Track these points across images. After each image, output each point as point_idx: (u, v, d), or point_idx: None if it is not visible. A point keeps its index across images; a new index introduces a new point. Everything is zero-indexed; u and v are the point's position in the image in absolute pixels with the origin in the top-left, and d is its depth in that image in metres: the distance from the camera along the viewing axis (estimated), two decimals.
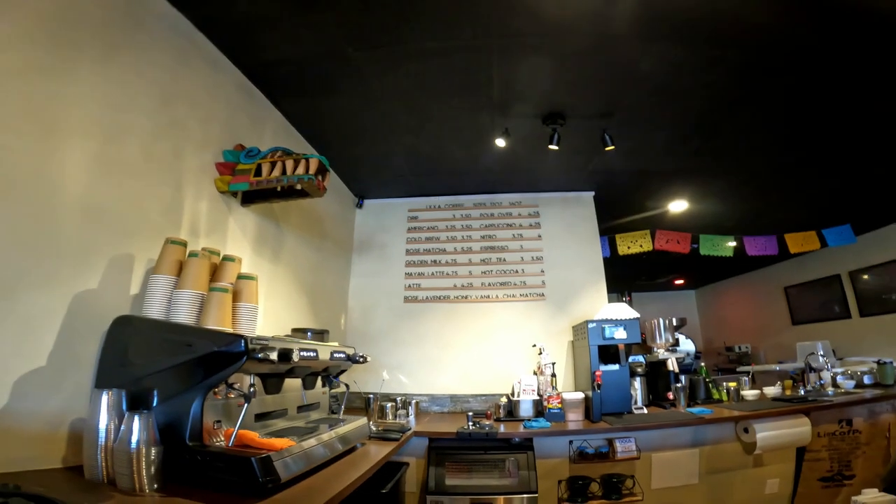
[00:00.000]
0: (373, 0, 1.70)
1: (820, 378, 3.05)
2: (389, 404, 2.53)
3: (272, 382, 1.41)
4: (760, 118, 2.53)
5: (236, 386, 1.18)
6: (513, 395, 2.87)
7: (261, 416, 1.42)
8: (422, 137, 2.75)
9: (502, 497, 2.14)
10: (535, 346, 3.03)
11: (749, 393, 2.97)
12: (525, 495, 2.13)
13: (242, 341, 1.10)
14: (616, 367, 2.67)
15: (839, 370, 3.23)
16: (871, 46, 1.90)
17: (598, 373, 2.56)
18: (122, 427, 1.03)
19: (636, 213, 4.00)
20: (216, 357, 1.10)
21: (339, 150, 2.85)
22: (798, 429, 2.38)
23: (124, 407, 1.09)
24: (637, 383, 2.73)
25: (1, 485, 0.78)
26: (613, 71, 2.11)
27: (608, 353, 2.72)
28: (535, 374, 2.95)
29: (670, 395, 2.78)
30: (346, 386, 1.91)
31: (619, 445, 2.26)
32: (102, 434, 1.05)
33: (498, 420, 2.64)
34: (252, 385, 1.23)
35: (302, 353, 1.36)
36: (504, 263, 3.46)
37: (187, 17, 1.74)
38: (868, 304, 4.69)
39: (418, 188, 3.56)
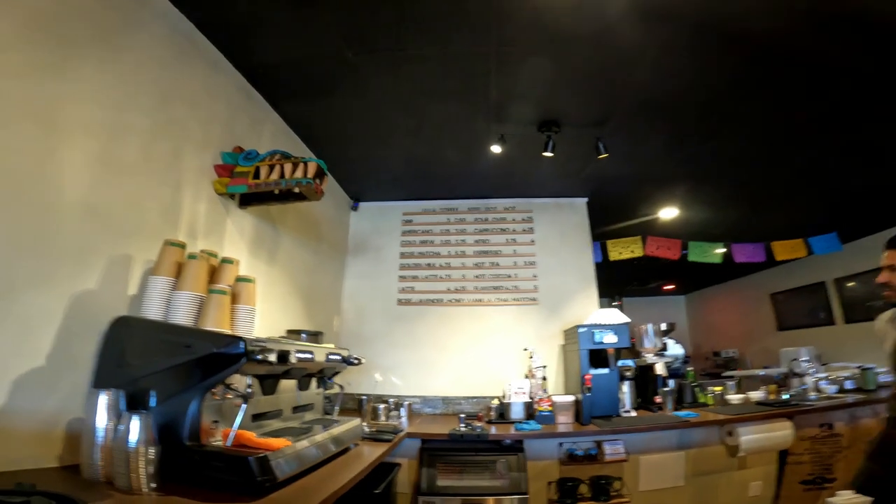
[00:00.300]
0: (373, 4, 1.72)
1: (803, 383, 3.12)
2: (382, 406, 2.54)
3: (268, 383, 1.43)
4: (751, 129, 2.60)
5: (233, 386, 1.20)
6: (504, 397, 2.90)
7: (256, 417, 1.43)
8: (418, 141, 2.78)
9: (493, 498, 2.16)
10: (526, 349, 3.07)
11: (734, 397, 3.03)
12: (516, 496, 2.16)
13: (242, 343, 1.11)
14: (606, 371, 2.72)
15: (822, 375, 3.31)
16: (863, 56, 1.94)
17: (587, 376, 2.60)
18: (121, 427, 1.04)
19: (628, 220, 4.06)
20: (215, 358, 1.12)
21: (335, 152, 2.86)
22: (780, 432, 2.44)
23: (122, 407, 1.10)
24: (626, 387, 2.77)
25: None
26: (608, 79, 2.16)
27: (598, 357, 2.76)
28: (526, 377, 2.98)
29: (658, 399, 2.83)
30: (341, 387, 1.93)
31: (607, 448, 2.30)
32: (101, 433, 1.06)
33: (489, 422, 2.66)
34: (250, 385, 1.25)
35: (299, 355, 1.38)
36: (497, 268, 3.50)
37: (188, 17, 1.74)
38: (852, 311, 4.79)
39: (413, 191, 3.59)
